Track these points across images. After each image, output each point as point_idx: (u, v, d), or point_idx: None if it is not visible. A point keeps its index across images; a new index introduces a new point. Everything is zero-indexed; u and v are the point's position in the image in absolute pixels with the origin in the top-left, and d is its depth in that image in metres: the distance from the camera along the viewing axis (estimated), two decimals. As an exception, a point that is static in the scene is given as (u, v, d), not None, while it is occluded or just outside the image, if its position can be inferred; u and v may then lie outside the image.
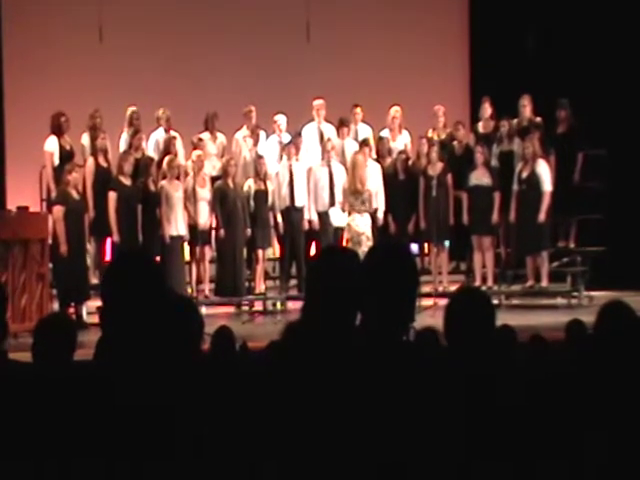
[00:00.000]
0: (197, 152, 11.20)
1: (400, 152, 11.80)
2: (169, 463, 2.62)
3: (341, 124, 11.93)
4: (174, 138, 11.42)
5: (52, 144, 10.99)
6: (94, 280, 10.66)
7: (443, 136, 12.08)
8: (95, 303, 9.83)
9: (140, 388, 2.66)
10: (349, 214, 10.96)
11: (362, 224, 10.78)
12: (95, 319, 9.34)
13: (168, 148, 11.24)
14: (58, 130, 11.00)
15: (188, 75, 13.10)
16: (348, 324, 2.75)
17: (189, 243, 10.99)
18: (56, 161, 10.93)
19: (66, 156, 10.91)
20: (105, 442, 2.61)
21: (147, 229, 10.77)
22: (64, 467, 2.65)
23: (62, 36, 13.04)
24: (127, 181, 10.79)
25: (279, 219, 11.39)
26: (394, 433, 2.62)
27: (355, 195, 10.92)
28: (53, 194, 10.64)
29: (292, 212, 11.40)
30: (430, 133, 12.05)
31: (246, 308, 11.49)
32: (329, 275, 2.79)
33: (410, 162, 11.78)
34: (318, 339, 2.69)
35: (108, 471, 2.60)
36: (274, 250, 11.70)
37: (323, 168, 11.52)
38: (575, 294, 11.41)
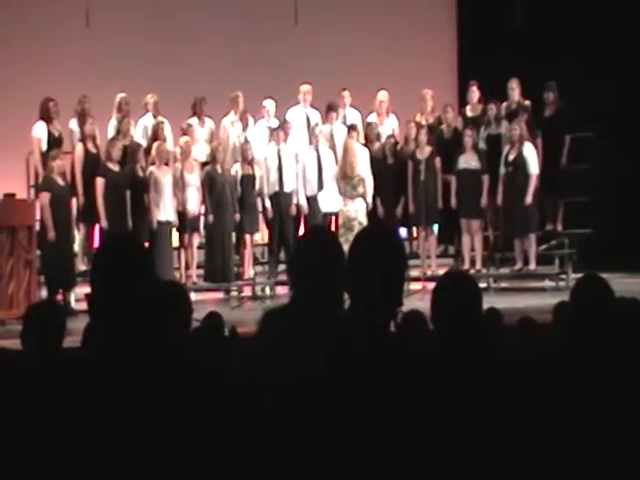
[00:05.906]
0: (184, 138, 11.17)
1: (389, 136, 11.80)
2: (159, 449, 2.62)
3: (329, 108, 11.91)
4: (162, 123, 11.36)
5: (40, 130, 10.89)
6: (82, 267, 10.63)
7: (431, 120, 12.07)
8: (83, 290, 9.81)
9: (128, 374, 2.66)
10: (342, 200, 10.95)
11: (354, 210, 10.77)
12: (83, 306, 9.33)
13: (156, 134, 11.19)
14: (47, 116, 10.88)
15: (176, 60, 13.04)
16: (334, 305, 2.76)
17: (178, 230, 10.97)
18: (44, 147, 10.84)
19: (54, 142, 10.83)
20: (94, 428, 2.62)
21: (136, 215, 10.74)
22: (52, 453, 2.65)
23: (49, 21, 12.95)
24: (115, 167, 10.75)
25: (267, 204, 11.38)
26: (382, 423, 2.62)
27: (345, 180, 10.91)
28: (40, 180, 10.59)
29: (281, 197, 11.39)
30: (418, 117, 12.04)
31: (235, 294, 11.49)
32: (313, 254, 2.80)
33: (398, 146, 11.78)
34: (300, 325, 2.69)
35: (97, 458, 2.60)
36: (262, 235, 11.69)
37: (311, 153, 11.51)
38: (563, 276, 11.45)
